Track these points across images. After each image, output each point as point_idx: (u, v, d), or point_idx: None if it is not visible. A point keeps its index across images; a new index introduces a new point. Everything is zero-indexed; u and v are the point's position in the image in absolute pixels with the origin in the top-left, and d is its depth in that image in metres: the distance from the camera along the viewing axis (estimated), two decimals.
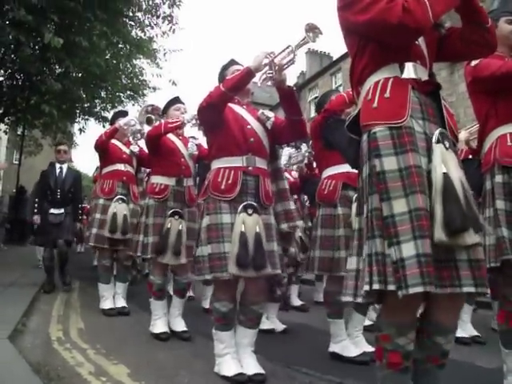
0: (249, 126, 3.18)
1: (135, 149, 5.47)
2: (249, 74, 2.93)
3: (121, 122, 5.15)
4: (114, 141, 5.39)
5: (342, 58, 22.05)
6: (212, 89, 3.09)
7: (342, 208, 3.58)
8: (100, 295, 5.31)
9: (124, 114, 5.75)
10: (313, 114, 26.11)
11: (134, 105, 13.42)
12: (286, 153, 5.09)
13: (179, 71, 17.97)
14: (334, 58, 25.18)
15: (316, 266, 3.70)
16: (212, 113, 3.09)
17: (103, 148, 5.30)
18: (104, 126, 11.94)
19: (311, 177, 5.29)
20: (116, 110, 11.35)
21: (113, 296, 5.30)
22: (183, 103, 4.59)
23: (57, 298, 5.83)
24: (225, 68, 3.45)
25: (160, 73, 12.63)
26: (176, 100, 4.59)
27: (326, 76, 25.32)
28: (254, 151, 3.11)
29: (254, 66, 2.90)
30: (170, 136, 4.38)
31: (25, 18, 7.22)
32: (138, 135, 5.13)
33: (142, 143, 5.21)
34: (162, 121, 4.40)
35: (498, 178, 2.68)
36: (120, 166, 5.40)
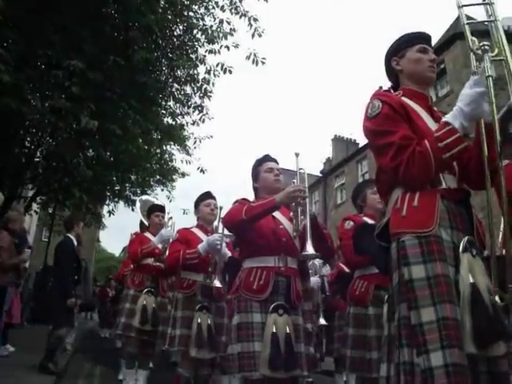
0: (281, 226, 3.21)
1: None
2: (274, 207, 3.02)
3: (157, 242, 5.30)
4: (147, 234, 5.62)
5: (368, 145, 22.34)
6: (233, 209, 3.17)
7: (373, 308, 3.56)
8: (122, 379, 5.39)
9: (161, 208, 5.92)
10: (339, 200, 26.23)
11: (162, 190, 13.70)
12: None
13: (208, 157, 18.40)
14: (360, 145, 25.54)
15: (348, 365, 3.66)
16: (235, 230, 3.21)
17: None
18: (133, 210, 12.16)
19: None
20: (145, 194, 11.64)
21: (134, 382, 5.26)
22: (214, 198, 4.68)
23: None
24: (259, 164, 3.48)
25: (189, 159, 12.99)
26: (206, 195, 4.68)
27: (351, 163, 25.61)
28: (286, 251, 3.12)
29: (282, 201, 2.96)
30: (198, 232, 4.46)
31: (64, 105, 7.55)
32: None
33: None
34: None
35: None
36: (150, 261, 5.49)
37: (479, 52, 1.98)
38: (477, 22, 2.20)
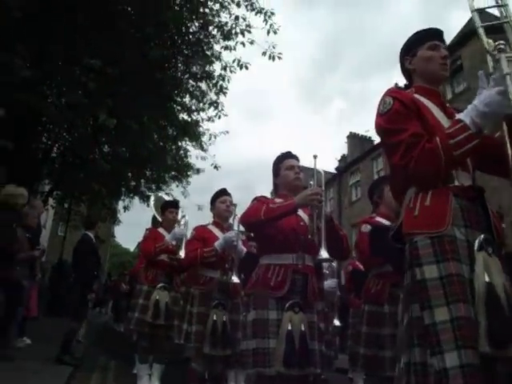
0: (302, 223, 3.17)
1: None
2: (293, 210, 2.99)
3: (170, 240, 5.23)
4: (161, 230, 5.57)
5: None
6: (252, 208, 3.15)
7: (389, 306, 3.54)
8: (137, 374, 5.38)
9: (174, 205, 5.95)
10: (354, 197, 26.15)
11: (177, 186, 13.68)
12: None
13: (223, 153, 18.29)
14: (375, 142, 25.40)
15: (360, 363, 3.66)
16: (252, 229, 3.24)
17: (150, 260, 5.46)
18: (148, 206, 12.15)
19: None
20: (160, 190, 11.70)
21: (149, 376, 5.29)
22: (229, 195, 4.67)
23: (91, 378, 5.79)
24: (280, 160, 3.43)
25: (204, 155, 12.98)
26: (222, 192, 4.68)
27: (367, 160, 25.48)
28: (304, 249, 3.07)
29: (300, 204, 2.96)
30: (214, 230, 4.48)
31: (81, 101, 7.58)
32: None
33: None
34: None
35: None
36: (164, 257, 5.44)
37: (495, 52, 1.97)
38: (491, 23, 2.18)
